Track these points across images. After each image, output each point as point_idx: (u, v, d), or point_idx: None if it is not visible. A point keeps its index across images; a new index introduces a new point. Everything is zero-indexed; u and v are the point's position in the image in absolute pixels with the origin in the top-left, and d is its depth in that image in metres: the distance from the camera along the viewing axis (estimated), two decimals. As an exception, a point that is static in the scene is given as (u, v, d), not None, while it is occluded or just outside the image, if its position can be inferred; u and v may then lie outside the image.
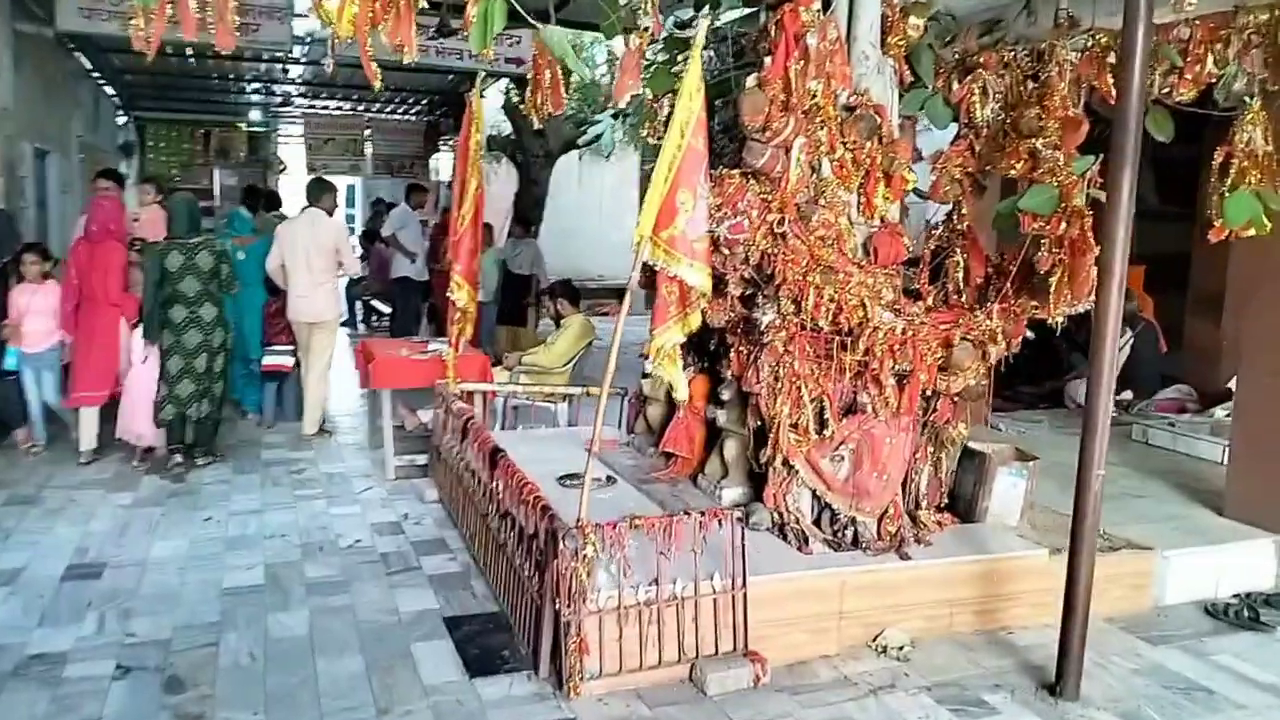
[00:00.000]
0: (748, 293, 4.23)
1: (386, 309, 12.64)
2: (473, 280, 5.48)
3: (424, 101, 16.24)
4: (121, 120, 16.72)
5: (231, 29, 3.56)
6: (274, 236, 7.06)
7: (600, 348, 6.34)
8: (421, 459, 6.10)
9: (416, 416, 6.37)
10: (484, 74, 5.69)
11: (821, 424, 3.99)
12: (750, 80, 4.29)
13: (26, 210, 9.95)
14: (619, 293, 17.17)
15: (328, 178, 9.03)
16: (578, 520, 3.36)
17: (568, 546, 3.29)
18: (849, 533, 4.06)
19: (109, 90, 15.11)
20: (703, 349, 4.67)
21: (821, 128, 4.22)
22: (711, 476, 4.57)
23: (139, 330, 6.08)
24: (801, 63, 4.14)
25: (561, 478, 4.54)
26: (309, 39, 11.63)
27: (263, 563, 4.64)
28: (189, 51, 12.05)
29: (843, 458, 4.04)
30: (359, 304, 13.89)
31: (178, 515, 5.32)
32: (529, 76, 4.56)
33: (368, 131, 16.79)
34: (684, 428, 4.72)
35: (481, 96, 5.55)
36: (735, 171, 4.23)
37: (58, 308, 6.23)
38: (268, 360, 7.21)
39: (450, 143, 16.86)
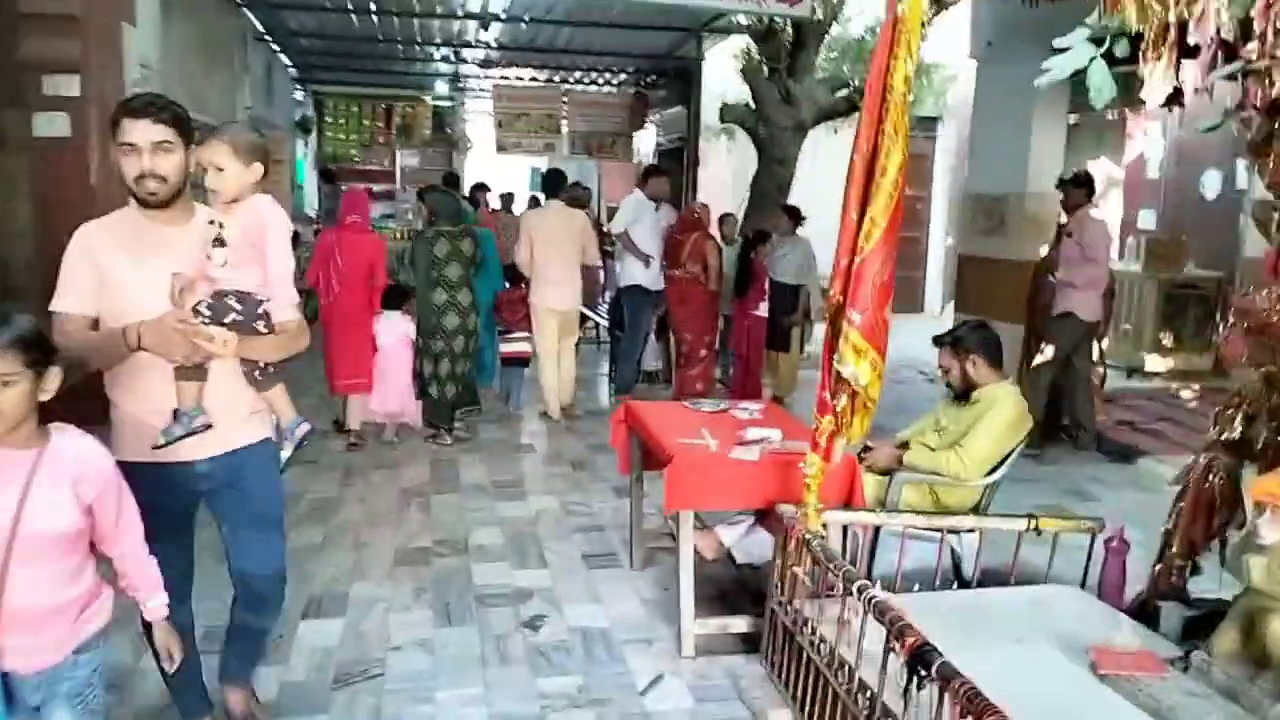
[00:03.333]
0: None
1: (597, 317, 10.28)
2: (880, 339, 2.86)
3: (630, 69, 13.86)
4: (299, 95, 15.15)
5: None
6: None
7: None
8: (737, 622, 3.61)
9: (716, 537, 3.88)
10: None
11: None
12: None
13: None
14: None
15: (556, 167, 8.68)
16: None
17: None
18: None
19: (284, 59, 13.45)
20: None
21: None
22: None
23: (384, 315, 6.29)
24: None
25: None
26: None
27: None
28: (371, 5, 10.08)
29: None
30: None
31: None
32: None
33: (564, 105, 14.56)
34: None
35: None
36: None
37: None
38: (508, 348, 7.39)
39: (659, 116, 14.45)
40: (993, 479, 3.55)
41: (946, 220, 14.17)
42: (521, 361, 7.47)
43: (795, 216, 8.14)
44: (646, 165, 8.91)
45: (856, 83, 10.11)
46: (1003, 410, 3.52)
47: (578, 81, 14.71)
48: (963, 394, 3.69)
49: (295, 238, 9.96)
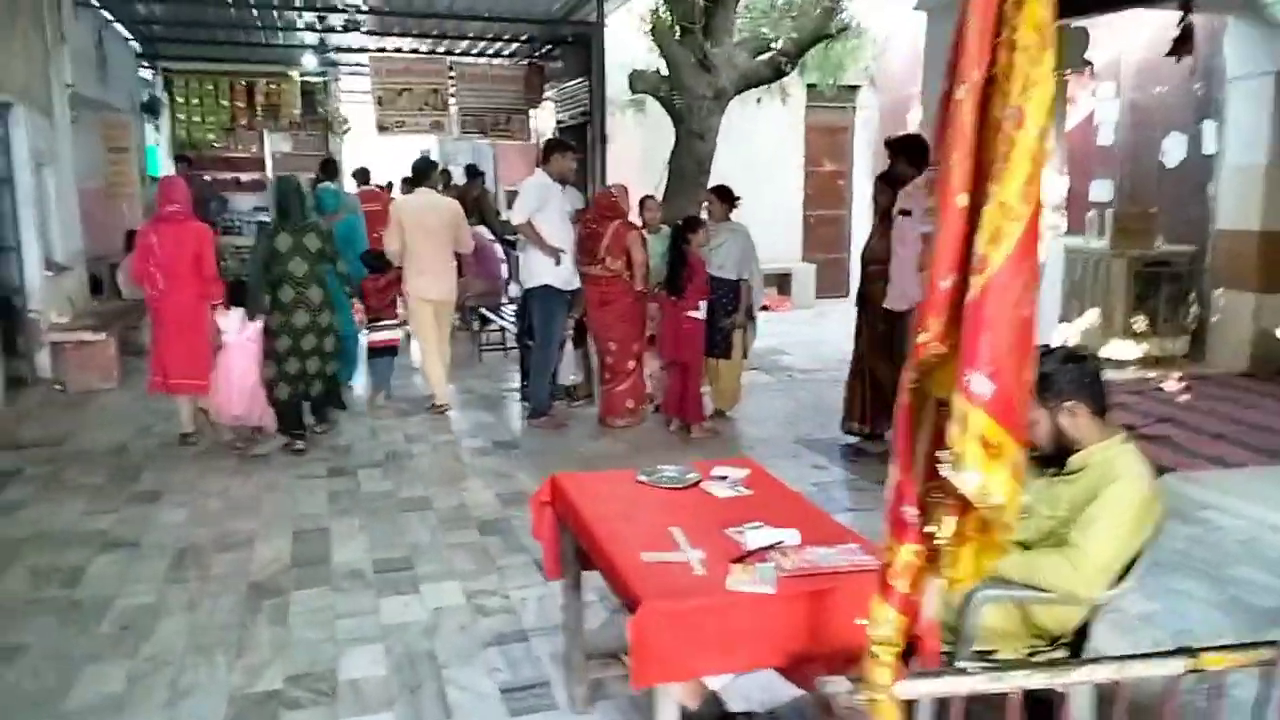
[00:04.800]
0: None
1: (502, 321, 8.90)
2: (1020, 421, 1.62)
3: (523, 36, 12.41)
4: (146, 75, 13.22)
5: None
6: (360, 214, 7.75)
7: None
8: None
9: (703, 687, 2.64)
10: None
11: None
12: None
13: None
14: (780, 280, 13.40)
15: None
16: None
17: None
18: None
19: (122, 31, 11.56)
20: None
21: None
22: None
23: (230, 312, 5.95)
24: None
25: None
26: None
27: None
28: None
29: None
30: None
31: None
32: None
33: (451, 80, 13.02)
34: None
35: None
36: None
37: None
38: (376, 336, 7.14)
39: (558, 90, 13.04)
40: (1117, 592, 2.38)
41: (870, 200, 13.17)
42: (390, 350, 7.26)
43: (729, 199, 6.91)
44: (548, 140, 7.56)
45: (780, 45, 8.94)
46: (1126, 488, 2.35)
47: (464, 53, 13.18)
48: (1055, 459, 2.51)
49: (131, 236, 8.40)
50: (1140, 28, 8.53)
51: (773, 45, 9.03)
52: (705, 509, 2.66)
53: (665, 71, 9.10)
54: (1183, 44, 5.64)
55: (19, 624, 3.73)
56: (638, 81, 9.22)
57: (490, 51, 13.18)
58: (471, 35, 12.32)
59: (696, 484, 2.87)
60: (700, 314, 6.30)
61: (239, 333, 5.91)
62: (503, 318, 8.94)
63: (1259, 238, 7.88)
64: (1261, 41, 7.55)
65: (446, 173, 13.67)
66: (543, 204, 6.36)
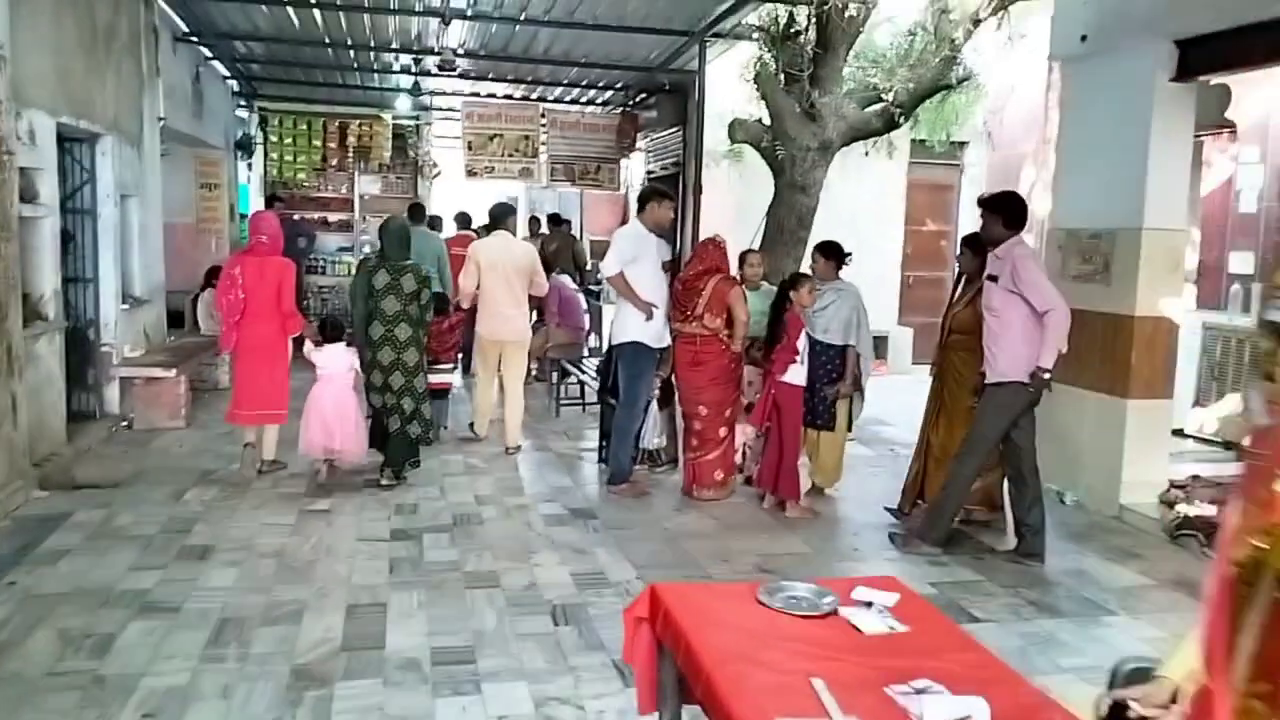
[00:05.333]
0: None
1: (582, 375, 8.42)
2: None
3: (618, 84, 12.11)
4: (242, 113, 13.30)
5: None
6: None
7: None
8: None
9: None
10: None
11: None
12: None
13: (41, 220, 6.22)
14: (876, 343, 12.67)
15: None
16: None
17: None
18: None
19: (220, 69, 11.61)
20: None
21: None
22: None
23: (326, 348, 6.06)
24: None
25: None
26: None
27: None
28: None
29: None
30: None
31: None
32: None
33: (543, 126, 12.79)
34: None
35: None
36: None
37: None
38: (433, 379, 6.82)
39: (650, 139, 12.68)
40: None
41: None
42: (442, 393, 7.45)
43: (837, 256, 6.37)
44: (645, 187, 7.16)
45: (892, 95, 8.40)
46: None
47: (558, 100, 12.95)
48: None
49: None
50: (1293, 88, 7.77)
51: (884, 96, 8.51)
52: (852, 650, 2.07)
53: (767, 121, 8.65)
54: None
55: (35, 702, 3.29)
56: (738, 130, 8.77)
57: (584, 99, 12.91)
58: (566, 82, 12.06)
59: (834, 611, 2.28)
60: (796, 379, 5.71)
61: (335, 365, 6.03)
62: (583, 371, 8.48)
63: None
64: None
65: (535, 219, 13.43)
66: (637, 255, 5.89)
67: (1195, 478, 6.18)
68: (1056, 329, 4.79)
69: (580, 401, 8.65)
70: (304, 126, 13.37)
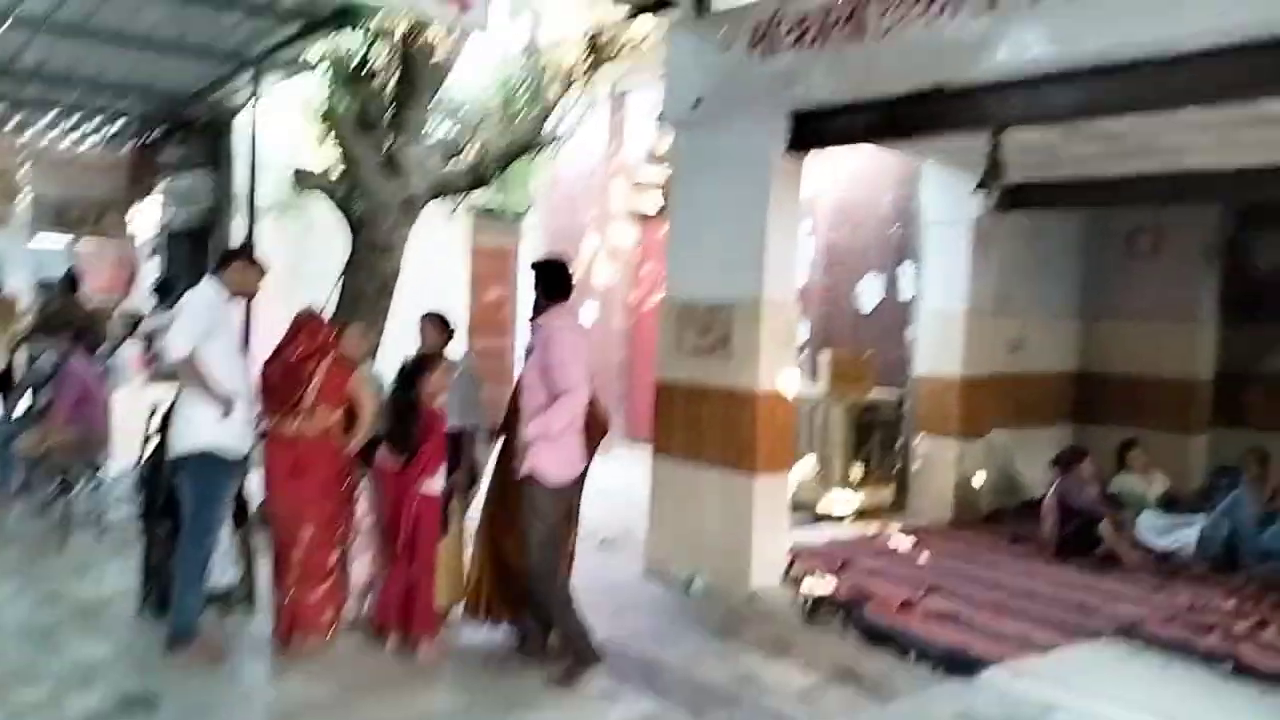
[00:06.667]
0: None
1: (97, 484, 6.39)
2: None
3: (127, 116, 9.90)
4: None
5: None
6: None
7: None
8: None
9: None
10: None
11: None
12: None
13: None
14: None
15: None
16: None
17: None
18: None
19: None
20: None
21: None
22: None
23: None
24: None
25: None
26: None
27: None
28: None
29: None
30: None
31: None
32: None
33: (24, 164, 10.07)
34: None
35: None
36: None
37: None
38: None
39: (171, 183, 10.58)
40: None
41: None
42: None
43: (445, 329, 5.49)
44: (229, 248, 5.55)
45: (480, 152, 7.69)
46: None
47: (49, 126, 10.30)
48: None
49: None
50: (838, 166, 8.48)
51: (468, 151, 7.78)
52: None
53: (341, 168, 7.44)
54: (994, 173, 5.27)
55: None
56: (304, 180, 7.44)
57: (89, 129, 10.37)
58: (63, 105, 9.54)
59: None
60: (434, 489, 4.65)
61: None
62: (99, 480, 6.45)
63: (960, 383, 7.89)
64: (956, 187, 7.59)
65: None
66: (212, 329, 4.39)
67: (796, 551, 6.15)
68: (563, 411, 4.26)
69: (97, 525, 6.50)
70: None
